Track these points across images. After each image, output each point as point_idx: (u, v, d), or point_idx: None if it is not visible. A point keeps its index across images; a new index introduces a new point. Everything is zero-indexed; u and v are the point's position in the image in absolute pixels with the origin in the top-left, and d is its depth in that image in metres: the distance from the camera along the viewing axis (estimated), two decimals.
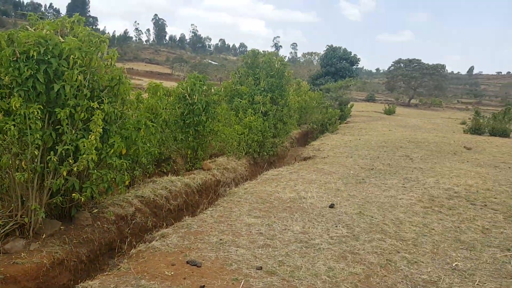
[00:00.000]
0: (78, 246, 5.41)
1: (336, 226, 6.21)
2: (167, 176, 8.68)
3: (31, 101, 4.59)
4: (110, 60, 5.54)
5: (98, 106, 4.97)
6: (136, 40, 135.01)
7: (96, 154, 4.94)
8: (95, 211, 6.22)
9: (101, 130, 4.92)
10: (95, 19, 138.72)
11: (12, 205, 5.10)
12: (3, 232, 4.90)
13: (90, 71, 4.95)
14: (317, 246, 5.36)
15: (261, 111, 13.14)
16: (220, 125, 10.37)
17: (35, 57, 4.46)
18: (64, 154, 4.89)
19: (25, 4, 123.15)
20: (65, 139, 4.86)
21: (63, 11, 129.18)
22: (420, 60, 74.82)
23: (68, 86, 4.66)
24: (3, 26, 72.96)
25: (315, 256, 5.06)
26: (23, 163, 4.72)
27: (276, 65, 13.83)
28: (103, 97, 5.23)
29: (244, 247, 5.16)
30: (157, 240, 5.44)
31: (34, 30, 4.92)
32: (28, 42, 4.48)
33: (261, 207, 7.02)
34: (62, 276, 5.07)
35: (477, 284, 4.63)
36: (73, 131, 5.00)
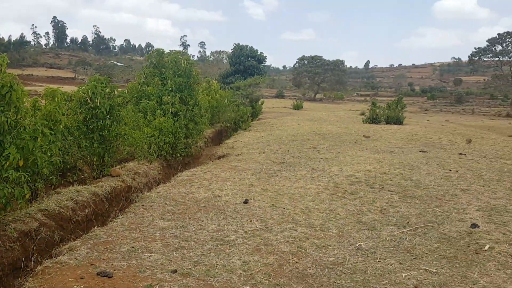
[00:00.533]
0: None
1: (251, 221, 6.39)
2: (73, 186, 8.24)
3: None
4: (0, 66, 5.13)
5: None
6: (34, 44, 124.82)
7: None
8: None
9: None
10: None
11: None
12: None
13: None
14: (232, 242, 5.48)
15: (171, 112, 12.96)
16: (127, 129, 10.03)
17: None
18: None
19: None
20: None
21: None
22: (322, 56, 79.30)
23: None
24: None
25: (230, 252, 5.17)
26: None
27: (183, 64, 13.72)
28: None
29: (158, 252, 5.11)
30: (64, 254, 5.16)
31: None
32: None
33: (175, 209, 6.98)
34: None
35: (378, 261, 5.09)
36: None
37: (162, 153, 12.12)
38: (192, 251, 5.14)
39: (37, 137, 5.43)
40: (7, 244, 5.66)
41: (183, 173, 10.58)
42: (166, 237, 5.62)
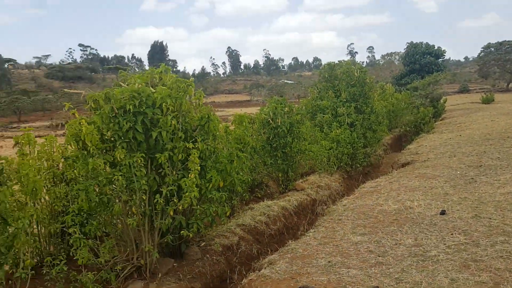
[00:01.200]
0: (192, 281, 5.61)
1: (452, 234, 5.74)
2: (263, 201, 8.79)
3: (133, 150, 4.95)
4: (197, 100, 5.81)
5: (193, 145, 5.21)
6: (213, 74, 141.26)
7: (197, 190, 5.14)
8: (202, 244, 6.45)
9: (199, 167, 5.13)
10: (174, 62, 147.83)
11: (128, 249, 5.48)
12: (123, 276, 5.26)
13: (181, 114, 5.23)
14: (434, 258, 4.99)
15: (347, 123, 12.84)
16: (306, 144, 10.31)
17: (131, 110, 4.83)
18: (168, 195, 5.17)
19: (110, 58, 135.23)
20: (168, 181, 5.15)
21: (145, 59, 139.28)
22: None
23: (164, 132, 4.96)
24: (93, 82, 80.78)
25: (434, 268, 4.70)
26: (133, 208, 5.08)
27: (356, 74, 13.51)
28: (196, 136, 5.48)
29: (356, 267, 4.97)
30: (265, 268, 5.45)
31: (127, 85, 5.34)
32: (123, 97, 4.87)
33: (365, 223, 6.75)
34: None
35: None
36: (174, 172, 5.29)
37: (341, 164, 12.07)
38: (392, 267, 4.85)
39: (233, 160, 5.94)
40: (214, 258, 6.29)
41: (366, 184, 10.26)
42: (361, 252, 5.45)
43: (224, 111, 47.20)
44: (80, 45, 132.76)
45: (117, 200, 4.92)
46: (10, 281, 4.34)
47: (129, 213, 5.15)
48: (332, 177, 11.47)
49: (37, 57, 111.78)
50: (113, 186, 4.85)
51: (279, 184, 10.11)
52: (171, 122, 4.99)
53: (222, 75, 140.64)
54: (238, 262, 6.67)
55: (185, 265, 5.86)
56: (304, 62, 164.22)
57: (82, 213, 5.16)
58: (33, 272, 4.44)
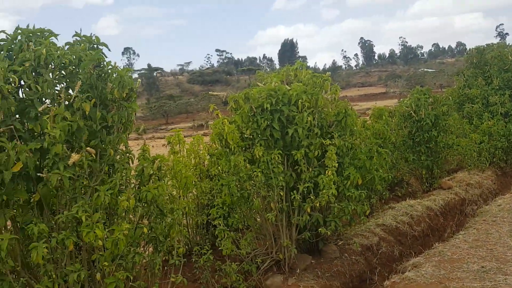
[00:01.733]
0: (330, 279, 5.55)
1: None
2: (404, 200, 8.29)
3: (271, 147, 5.08)
4: (333, 95, 5.71)
5: (330, 142, 5.14)
6: (345, 67, 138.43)
7: (335, 188, 5.06)
8: (340, 243, 6.33)
9: (336, 164, 5.04)
10: (304, 58, 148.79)
11: (267, 242, 5.65)
12: (263, 268, 5.44)
13: (317, 110, 5.19)
14: None
15: (500, 113, 11.38)
16: (453, 137, 9.41)
17: (268, 109, 4.95)
18: (305, 192, 5.18)
19: (243, 60, 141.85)
20: (304, 177, 5.16)
21: (275, 58, 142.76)
22: None
23: (300, 129, 4.98)
24: (228, 84, 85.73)
25: None
26: (271, 204, 5.21)
27: (510, 57, 11.88)
28: (333, 132, 5.39)
29: None
30: (409, 271, 5.11)
31: (264, 84, 5.50)
32: (261, 96, 5.02)
33: None
34: None
35: None
36: (310, 169, 5.28)
37: (494, 160, 10.79)
38: None
39: (373, 156, 5.70)
40: (353, 257, 6.12)
41: None
42: None
43: (357, 105, 45.99)
44: (216, 50, 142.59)
45: (256, 196, 5.10)
46: (165, 267, 4.84)
47: (268, 208, 5.30)
48: (484, 174, 10.33)
49: (180, 65, 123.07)
50: (252, 182, 5.03)
51: (422, 182, 9.44)
52: (307, 118, 4.98)
53: (354, 68, 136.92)
54: (378, 263, 6.39)
55: (323, 262, 5.82)
56: (446, 48, 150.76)
57: (224, 207, 5.49)
58: (184, 260, 4.86)
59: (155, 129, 47.25)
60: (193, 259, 5.30)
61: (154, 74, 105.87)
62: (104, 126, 3.43)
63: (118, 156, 3.56)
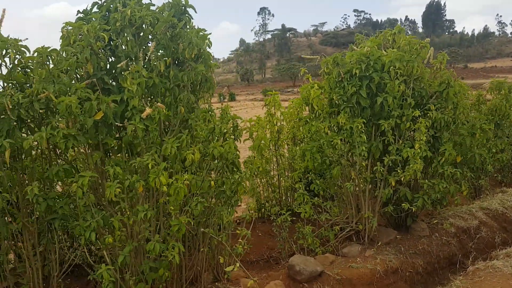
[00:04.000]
0: (413, 256, 5.30)
1: None
2: None
3: (356, 116, 4.88)
4: (440, 64, 5.21)
5: (420, 114, 4.75)
6: (499, 34, 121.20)
7: (421, 162, 4.71)
8: (434, 221, 5.94)
9: (427, 138, 4.66)
10: (451, 22, 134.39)
11: (348, 212, 5.56)
12: (341, 236, 5.40)
13: (412, 79, 4.80)
14: None
15: None
16: None
17: (357, 75, 4.73)
18: (391, 164, 4.93)
19: (382, 22, 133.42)
20: (391, 150, 4.89)
21: (419, 21, 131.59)
22: None
23: (391, 98, 4.68)
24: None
25: None
26: (352, 174, 5.07)
27: None
28: (433, 104, 4.95)
29: None
30: (499, 259, 4.61)
31: (359, 49, 5.24)
32: (351, 61, 4.81)
33: None
34: (397, 285, 5.07)
35: None
36: (400, 142, 4.98)
37: None
38: None
39: (475, 133, 5.12)
40: (444, 238, 5.71)
41: None
42: None
43: (506, 77, 40.49)
44: (354, 10, 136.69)
45: (336, 164, 5.01)
46: (237, 222, 5.14)
47: (348, 177, 5.19)
48: None
49: (314, 25, 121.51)
50: (334, 150, 4.94)
51: None
52: (398, 87, 4.65)
53: (509, 35, 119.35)
54: (475, 248, 5.87)
55: (409, 239, 5.56)
56: None
57: (310, 172, 5.52)
58: (256, 215, 5.07)
59: (281, 91, 48.18)
60: (272, 218, 5.49)
61: (287, 35, 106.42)
62: (177, 85, 3.69)
63: (193, 114, 3.81)
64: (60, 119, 3.20)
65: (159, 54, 3.58)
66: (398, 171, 4.92)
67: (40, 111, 3.35)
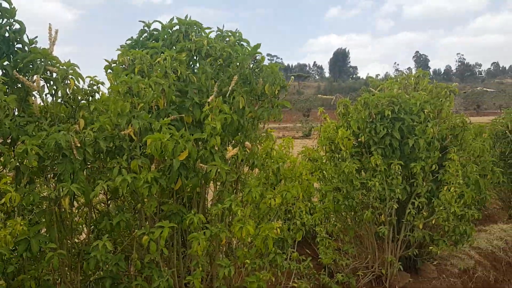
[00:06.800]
0: None
1: None
2: (496, 224, 7.82)
3: (387, 157, 4.86)
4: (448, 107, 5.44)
5: (451, 157, 4.87)
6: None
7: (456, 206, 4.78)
8: (435, 262, 6.02)
9: (461, 180, 4.77)
10: (355, 68, 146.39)
11: (368, 256, 5.43)
12: (363, 282, 5.23)
13: (439, 122, 4.94)
14: None
15: None
16: None
17: (389, 116, 4.74)
18: (420, 207, 4.94)
19: (293, 66, 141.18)
20: (420, 192, 4.91)
21: (325, 66, 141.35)
22: None
23: (422, 140, 4.74)
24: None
25: None
26: (382, 217, 4.99)
27: None
28: (449, 146, 5.11)
29: None
30: None
31: (378, 91, 5.31)
32: (381, 103, 4.83)
33: None
34: None
35: None
36: (424, 183, 5.03)
37: None
38: None
39: (486, 175, 5.37)
40: (451, 279, 5.79)
41: None
42: None
43: None
44: (268, 54, 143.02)
45: (369, 207, 4.90)
46: None
47: (376, 221, 5.10)
48: None
49: None
50: (368, 192, 4.83)
51: (510, 206, 8.87)
52: (430, 130, 4.74)
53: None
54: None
55: (421, 281, 5.55)
56: (507, 68, 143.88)
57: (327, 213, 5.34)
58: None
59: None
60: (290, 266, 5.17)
61: None
62: (250, 122, 3.37)
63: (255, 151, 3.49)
64: (140, 160, 2.69)
65: (238, 89, 3.24)
66: (424, 213, 4.95)
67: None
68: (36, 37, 2.71)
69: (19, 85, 2.68)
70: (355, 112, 5.03)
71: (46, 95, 2.73)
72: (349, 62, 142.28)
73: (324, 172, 5.36)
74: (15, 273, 2.64)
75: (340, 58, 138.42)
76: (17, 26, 2.69)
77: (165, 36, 3.44)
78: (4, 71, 2.65)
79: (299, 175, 4.26)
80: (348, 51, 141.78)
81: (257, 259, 3.08)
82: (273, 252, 3.18)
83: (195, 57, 3.27)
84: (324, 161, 5.43)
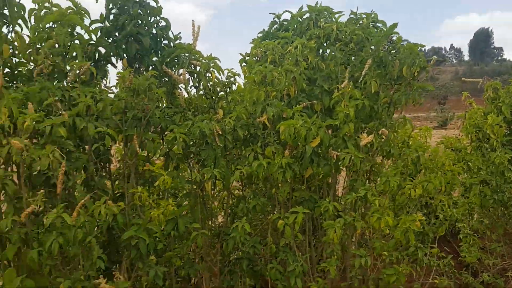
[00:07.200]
0: None
1: None
2: None
3: None
4: None
5: None
6: None
7: None
8: None
9: None
10: (500, 49, 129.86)
11: None
12: (511, 284, 4.68)
13: None
14: None
15: None
16: None
17: None
18: None
19: (426, 51, 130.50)
20: None
21: (464, 49, 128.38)
22: None
23: None
24: None
25: None
26: None
27: None
28: None
29: None
30: None
31: None
32: None
33: None
34: None
35: None
36: None
37: None
38: None
39: None
40: None
41: None
42: None
43: None
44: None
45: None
46: None
47: None
48: None
49: None
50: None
51: None
52: None
53: None
54: None
55: None
56: None
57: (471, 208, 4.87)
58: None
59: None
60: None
61: None
62: (386, 107, 3.21)
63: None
64: (274, 146, 2.76)
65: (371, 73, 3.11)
66: None
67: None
68: (180, 32, 2.97)
69: (166, 79, 2.96)
70: (507, 96, 4.47)
71: (190, 87, 2.97)
72: (493, 43, 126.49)
73: (469, 163, 4.86)
74: (163, 250, 2.93)
75: (482, 38, 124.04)
76: (163, 23, 2.98)
77: (295, 26, 3.47)
78: (153, 66, 2.95)
79: (441, 166, 3.95)
80: (491, 30, 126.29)
81: (394, 251, 2.93)
82: (413, 246, 3.00)
83: (324, 44, 3.23)
84: (469, 151, 4.94)
